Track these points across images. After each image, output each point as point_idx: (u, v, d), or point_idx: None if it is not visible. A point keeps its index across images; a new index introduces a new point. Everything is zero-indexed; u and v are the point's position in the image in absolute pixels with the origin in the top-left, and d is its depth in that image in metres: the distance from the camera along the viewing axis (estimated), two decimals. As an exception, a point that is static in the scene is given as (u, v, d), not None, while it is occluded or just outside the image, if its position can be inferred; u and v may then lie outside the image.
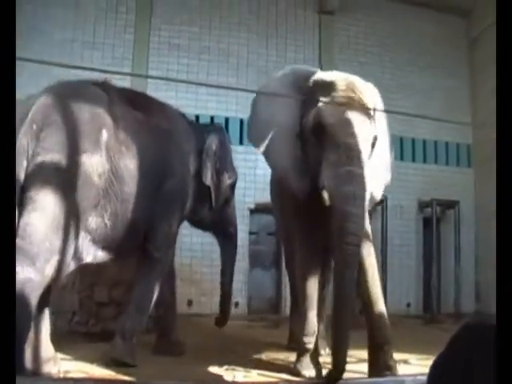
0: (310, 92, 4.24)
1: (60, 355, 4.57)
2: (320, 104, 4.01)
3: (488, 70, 10.68)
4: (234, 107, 10.33)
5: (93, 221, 4.27)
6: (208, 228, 6.23)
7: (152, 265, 5.02)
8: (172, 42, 10.34)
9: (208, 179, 5.61)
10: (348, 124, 3.88)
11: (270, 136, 4.42)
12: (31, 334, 4.02)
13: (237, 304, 9.46)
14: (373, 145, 4.07)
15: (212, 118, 10.05)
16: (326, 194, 3.92)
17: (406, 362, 4.60)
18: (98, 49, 9.97)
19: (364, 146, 3.93)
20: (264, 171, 9.70)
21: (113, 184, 4.38)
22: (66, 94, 4.36)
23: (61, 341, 4.69)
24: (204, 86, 10.20)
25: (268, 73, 10.60)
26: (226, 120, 10.25)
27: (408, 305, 10.26)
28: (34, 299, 3.69)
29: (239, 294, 9.57)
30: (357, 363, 5.06)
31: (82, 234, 4.19)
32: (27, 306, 3.64)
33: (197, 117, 9.06)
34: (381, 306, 4.45)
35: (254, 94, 10.09)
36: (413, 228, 10.85)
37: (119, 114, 4.60)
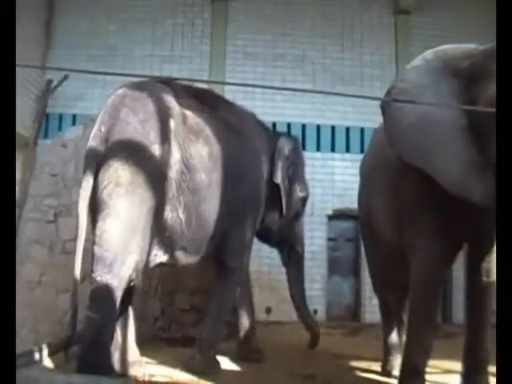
0: (479, 68, 3.46)
1: (145, 359, 4.72)
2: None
3: None
4: (310, 113, 10.32)
5: (168, 215, 4.14)
6: (275, 243, 6.08)
7: (227, 274, 4.97)
8: (247, 51, 10.51)
9: (278, 178, 5.44)
10: None
11: (428, 141, 3.62)
12: (118, 338, 4.19)
13: (315, 311, 9.38)
14: None
15: (289, 125, 10.08)
16: None
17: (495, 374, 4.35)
18: (176, 62, 10.35)
19: None
20: (341, 177, 9.67)
21: (184, 174, 4.22)
22: (131, 93, 4.26)
23: (145, 345, 4.85)
24: (280, 94, 10.28)
25: (344, 77, 10.53)
26: (303, 126, 10.26)
27: (494, 312, 9.74)
28: (114, 302, 3.74)
29: (318, 301, 9.52)
30: (443, 374, 4.96)
31: (159, 231, 4.12)
32: (109, 309, 3.73)
33: (273, 124, 9.11)
34: (488, 318, 4.09)
35: (332, 98, 10.31)
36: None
37: (185, 105, 4.47)
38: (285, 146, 5.62)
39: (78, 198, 3.90)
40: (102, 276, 3.67)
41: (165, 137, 4.09)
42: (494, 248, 4.07)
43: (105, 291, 3.69)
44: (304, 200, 5.92)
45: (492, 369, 4.40)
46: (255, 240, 5.72)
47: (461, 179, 3.46)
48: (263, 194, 5.30)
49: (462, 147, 3.49)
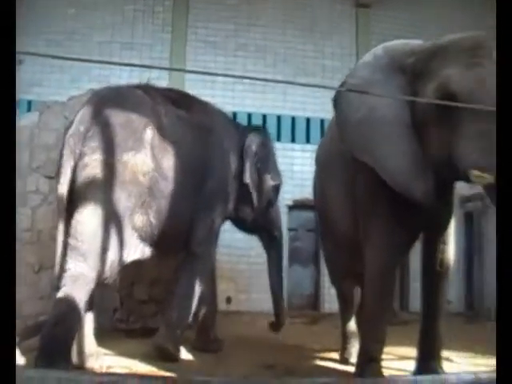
0: (421, 66, 3.55)
1: (102, 351, 4.66)
2: (443, 70, 3.32)
3: None
4: (271, 104, 10.32)
5: (139, 219, 4.32)
6: (252, 230, 6.17)
7: (194, 261, 5.05)
8: (209, 40, 10.42)
9: (247, 177, 5.56)
10: (486, 83, 3.11)
11: (374, 138, 3.69)
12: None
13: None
14: None
15: (249, 115, 10.06)
16: (477, 175, 3.08)
17: (448, 359, 4.47)
18: (136, 49, 10.17)
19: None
20: (301, 168, 9.71)
21: (157, 182, 4.43)
22: (111, 97, 4.55)
23: (103, 337, 4.78)
24: (240, 84, 10.24)
25: (305, 69, 10.57)
26: (264, 117, 10.26)
27: (449, 302, 10.01)
28: (85, 294, 3.85)
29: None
30: (399, 360, 5.07)
31: (130, 232, 4.25)
32: (79, 302, 3.78)
33: (234, 114, 9.08)
34: (442, 306, 4.24)
35: (293, 89, 10.34)
36: (454, 224, 10.51)
37: (162, 112, 4.69)
38: (252, 144, 5.69)
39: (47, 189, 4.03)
40: (75, 264, 3.78)
41: (141, 145, 4.33)
42: (450, 237, 4.21)
43: (77, 281, 3.77)
44: (277, 187, 5.99)
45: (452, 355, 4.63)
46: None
47: (403, 177, 3.57)
48: (231, 189, 5.47)
49: (405, 144, 3.59)
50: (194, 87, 8.57)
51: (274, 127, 10.30)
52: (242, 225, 6.06)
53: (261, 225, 5.93)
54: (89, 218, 3.94)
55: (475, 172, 3.06)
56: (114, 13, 10.32)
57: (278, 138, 10.30)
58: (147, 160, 4.35)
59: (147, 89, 4.86)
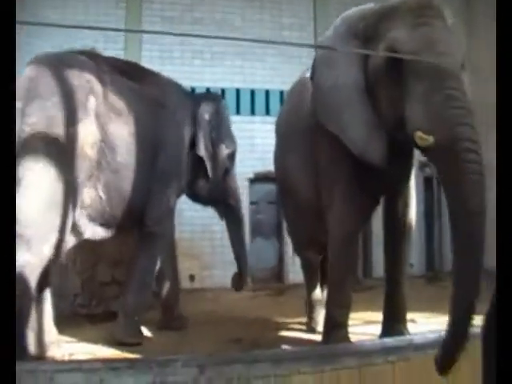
0: (371, 30, 3.52)
1: (64, 338, 4.54)
2: (390, 32, 3.28)
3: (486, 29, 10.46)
4: (229, 77, 10.16)
5: (87, 195, 4.09)
6: (208, 202, 6.00)
7: (151, 239, 4.89)
8: (165, 15, 10.09)
9: (201, 150, 5.41)
10: (434, 43, 3.09)
11: (336, 106, 3.69)
12: (34, 318, 3.94)
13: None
14: (464, 68, 3.30)
15: (208, 90, 9.88)
16: (421, 137, 3.01)
17: (412, 321, 4.56)
18: (90, 22, 9.73)
19: (458, 66, 3.14)
20: (262, 140, 9.62)
21: (105, 153, 4.18)
22: (50, 65, 4.06)
23: (64, 324, 4.65)
24: (199, 58, 10.03)
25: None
26: (222, 91, 10.08)
27: (411, 265, 10.25)
28: (33, 282, 3.59)
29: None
30: (364, 325, 5.13)
31: (78, 210, 4.03)
32: (27, 290, 3.55)
33: (192, 89, 8.88)
34: (405, 269, 4.31)
35: (252, 62, 10.21)
36: (414, 188, 10.68)
37: (108, 80, 4.36)
38: (205, 113, 5.53)
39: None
40: (21, 252, 3.46)
41: (85, 115, 3.99)
42: (411, 201, 4.25)
43: (23, 271, 3.50)
44: (232, 155, 5.84)
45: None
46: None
47: (361, 141, 3.59)
48: (186, 162, 5.28)
49: (362, 109, 3.59)
50: (151, 62, 8.32)
51: (233, 101, 10.17)
52: (197, 197, 5.87)
53: (217, 195, 5.77)
54: (32, 199, 3.61)
55: (418, 134, 3.02)
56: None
57: (238, 112, 10.20)
58: (93, 130, 4.04)
59: (92, 55, 4.46)
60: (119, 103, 4.39)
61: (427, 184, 10.41)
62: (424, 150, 3.12)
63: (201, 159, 5.42)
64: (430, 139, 2.94)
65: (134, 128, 4.47)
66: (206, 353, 4.00)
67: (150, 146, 4.67)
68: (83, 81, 4.09)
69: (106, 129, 4.18)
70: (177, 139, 5.13)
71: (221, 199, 5.85)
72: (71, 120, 3.88)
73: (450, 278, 2.73)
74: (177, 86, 5.59)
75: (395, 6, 3.42)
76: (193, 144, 5.40)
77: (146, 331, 4.92)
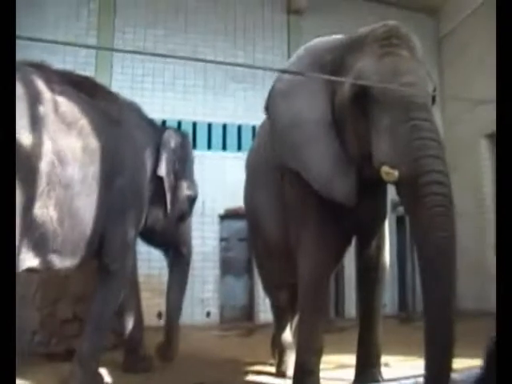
0: (338, 62, 3.41)
1: (20, 381, 4.22)
2: (357, 63, 3.19)
3: (455, 68, 10.78)
4: (201, 111, 10.13)
5: (38, 212, 3.57)
6: (160, 242, 5.61)
7: (108, 278, 4.48)
8: (137, 45, 10.06)
9: (163, 171, 5.03)
10: (400, 73, 2.99)
11: (298, 141, 3.53)
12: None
13: (208, 314, 9.24)
14: (433, 100, 3.21)
15: (179, 123, 9.81)
16: (387, 172, 2.92)
17: (386, 364, 4.41)
18: (59, 53, 9.59)
19: (426, 96, 3.04)
20: (233, 176, 9.54)
21: (55, 166, 3.68)
22: None
23: (20, 363, 4.34)
24: (170, 91, 9.98)
25: (236, 75, 10.47)
26: (194, 124, 10.04)
27: (384, 305, 10.18)
28: None
29: (211, 303, 9.37)
30: (337, 369, 4.96)
31: (28, 230, 3.50)
32: None
33: (163, 122, 8.80)
34: (379, 311, 4.16)
35: (224, 96, 10.22)
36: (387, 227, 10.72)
37: (58, 90, 3.94)
38: (171, 139, 5.23)
39: None
40: None
41: (34, 125, 3.57)
42: (384, 241, 4.14)
43: None
44: (191, 200, 5.54)
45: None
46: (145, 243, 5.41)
47: (325, 178, 3.44)
48: (146, 190, 4.87)
49: (326, 145, 3.45)
50: (122, 93, 8.21)
51: (204, 135, 10.14)
52: (149, 236, 5.40)
53: (169, 238, 5.45)
54: None
55: (385, 169, 2.92)
56: (33, 15, 9.76)
57: (210, 147, 10.16)
58: (43, 140, 3.60)
59: (41, 66, 4.09)
60: (71, 114, 3.97)
61: (400, 223, 10.44)
62: (394, 185, 3.01)
63: (159, 191, 5.04)
64: (395, 174, 2.85)
65: (88, 142, 4.02)
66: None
67: (105, 164, 4.17)
68: (31, 89, 3.69)
69: (56, 140, 3.74)
70: (136, 163, 4.71)
71: (173, 243, 5.55)
72: (18, 129, 3.40)
73: (423, 318, 2.64)
74: (136, 107, 5.23)
75: (362, 36, 3.35)
76: (154, 173, 5.02)
77: (107, 375, 4.62)
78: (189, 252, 5.72)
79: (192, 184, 5.55)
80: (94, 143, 4.08)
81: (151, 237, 5.43)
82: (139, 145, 4.82)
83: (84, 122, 4.05)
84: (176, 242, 5.55)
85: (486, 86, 9.04)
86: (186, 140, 5.62)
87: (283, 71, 3.63)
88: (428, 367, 2.52)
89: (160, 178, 5.05)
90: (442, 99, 11.02)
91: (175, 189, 5.25)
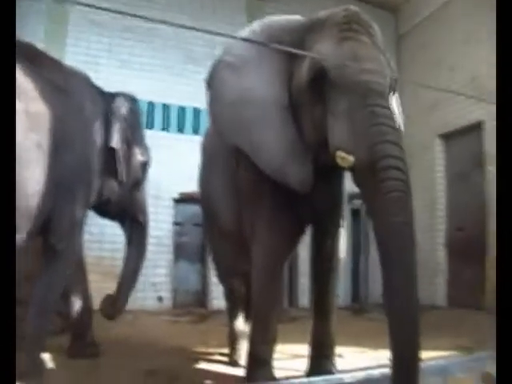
0: (297, 43, 3.22)
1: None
2: (316, 46, 3.08)
3: (414, 66, 10.89)
4: (158, 91, 9.85)
5: None
6: (116, 214, 5.37)
7: (54, 258, 4.20)
8: (93, 19, 9.63)
9: (115, 142, 4.78)
10: (360, 59, 2.90)
11: (249, 121, 3.35)
12: None
13: (161, 298, 9.06)
14: (392, 88, 3.16)
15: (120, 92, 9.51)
16: (342, 157, 2.85)
17: (339, 356, 4.37)
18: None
19: (384, 84, 2.97)
20: (189, 159, 9.33)
21: None
22: None
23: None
24: (126, 68, 9.64)
25: (196, 57, 10.25)
26: (150, 104, 9.76)
27: (337, 296, 10.27)
28: None
29: (163, 287, 9.20)
30: (290, 359, 4.89)
31: None
32: None
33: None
34: (334, 302, 4.09)
35: (182, 78, 9.97)
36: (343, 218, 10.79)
37: None
38: (122, 107, 4.99)
39: None
40: None
41: None
42: (340, 231, 4.07)
43: None
44: (145, 165, 5.32)
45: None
46: (97, 223, 5.16)
47: (278, 162, 3.31)
48: (96, 163, 4.61)
49: (281, 127, 3.31)
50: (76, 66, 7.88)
51: (160, 116, 9.87)
52: (104, 208, 5.16)
53: (125, 208, 5.23)
54: None
55: (340, 154, 2.84)
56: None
57: (166, 128, 9.90)
58: None
59: None
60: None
61: (355, 215, 10.52)
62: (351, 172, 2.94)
63: (112, 161, 4.80)
64: (351, 159, 2.78)
65: (30, 107, 3.68)
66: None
67: (50, 134, 3.84)
68: None
69: None
70: (86, 135, 4.42)
71: (129, 212, 5.34)
72: None
73: (376, 309, 2.59)
74: (83, 76, 4.88)
75: (322, 19, 3.24)
76: (105, 144, 4.76)
77: (50, 360, 4.40)
78: (145, 220, 5.53)
79: (144, 149, 5.35)
80: (36, 111, 3.75)
81: (106, 209, 5.21)
82: (88, 115, 4.54)
83: (26, 89, 3.71)
84: (132, 211, 5.36)
85: (443, 86, 9.33)
86: (136, 105, 5.39)
87: (260, 43, 3.40)
88: (396, 357, 2.45)
89: (112, 149, 4.82)
90: (401, 96, 11.15)
91: (128, 157, 5.04)
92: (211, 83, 3.64)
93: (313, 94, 3.08)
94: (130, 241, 5.49)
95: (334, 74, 2.93)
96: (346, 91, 2.88)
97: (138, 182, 5.27)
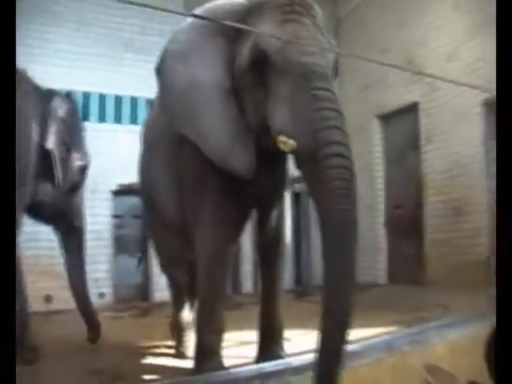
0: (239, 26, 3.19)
1: None
2: (257, 28, 3.01)
3: (352, 49, 11.05)
4: (94, 81, 9.53)
5: None
6: (50, 217, 5.18)
7: None
8: (25, 7, 9.16)
9: (51, 143, 4.63)
10: (302, 41, 2.87)
11: (194, 107, 3.29)
12: None
13: (102, 295, 8.82)
14: (335, 71, 3.14)
15: (70, 93, 9.16)
16: (283, 142, 2.81)
17: (286, 339, 4.38)
18: None
19: (327, 66, 2.93)
20: (127, 150, 9.09)
21: None
22: None
23: None
24: (59, 58, 9.23)
25: (132, 44, 10.02)
26: (85, 95, 9.43)
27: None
28: None
29: (104, 283, 8.96)
30: (238, 346, 4.86)
31: None
32: None
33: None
34: (281, 287, 4.06)
35: (118, 67, 9.68)
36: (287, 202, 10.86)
37: None
38: (60, 108, 4.81)
39: None
40: None
41: None
42: (284, 215, 4.06)
43: None
44: (83, 169, 5.17)
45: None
46: (32, 222, 4.94)
47: (222, 148, 3.28)
48: (30, 164, 4.46)
49: (224, 112, 3.28)
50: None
51: (97, 106, 9.56)
52: (38, 211, 4.95)
53: (61, 211, 5.06)
54: None
55: (281, 138, 2.82)
56: None
57: (102, 119, 9.61)
58: None
59: None
60: None
61: (295, 199, 10.60)
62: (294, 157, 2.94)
63: (47, 163, 4.64)
64: (292, 143, 2.76)
65: None
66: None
67: None
68: None
69: None
70: (20, 135, 4.22)
71: (65, 217, 5.18)
72: None
73: (319, 292, 2.61)
74: (20, 73, 4.63)
75: (264, 1, 3.19)
76: (40, 144, 4.60)
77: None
78: (82, 225, 5.39)
79: (83, 153, 5.19)
80: None
81: (40, 212, 5.00)
82: (23, 114, 4.32)
83: None
84: (68, 216, 5.19)
85: (379, 68, 9.56)
86: (75, 107, 5.23)
87: (207, 18, 3.30)
88: (323, 340, 2.49)
89: (48, 151, 4.65)
90: (339, 79, 11.31)
91: (65, 160, 4.87)
92: (159, 73, 3.56)
93: (254, 77, 3.04)
94: (66, 248, 5.34)
95: (276, 56, 2.90)
96: (287, 74, 2.85)
97: (75, 186, 5.12)
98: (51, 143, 4.64)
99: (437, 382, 2.03)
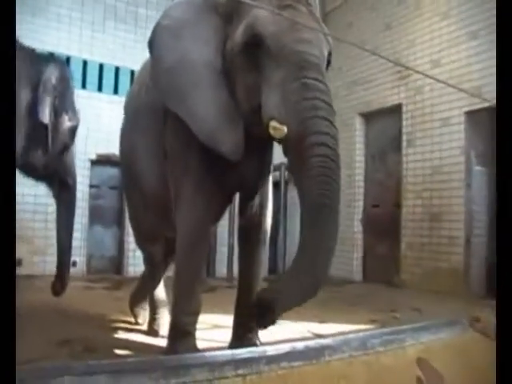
0: (233, 5, 3.14)
1: None
2: (253, 12, 2.95)
3: (339, 45, 10.96)
4: (77, 46, 9.31)
5: None
6: (42, 177, 5.26)
7: None
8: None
9: (45, 116, 4.67)
10: (298, 28, 2.85)
11: (183, 85, 3.23)
12: None
13: (74, 263, 8.72)
14: (328, 62, 3.13)
15: (51, 56, 8.94)
16: (275, 128, 2.79)
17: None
18: None
19: (321, 57, 2.94)
20: (108, 120, 8.96)
21: None
22: None
23: None
24: (43, 19, 8.98)
25: (117, 14, 9.79)
26: (68, 60, 9.19)
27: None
28: None
29: (78, 252, 8.85)
30: (212, 329, 4.85)
31: None
32: None
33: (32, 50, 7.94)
34: (259, 273, 4.05)
35: (102, 34, 9.46)
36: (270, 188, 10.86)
37: None
38: (52, 76, 4.78)
39: None
40: None
41: None
42: (267, 201, 4.04)
43: None
44: (73, 130, 5.16)
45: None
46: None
47: (210, 128, 3.20)
48: (22, 129, 4.48)
49: (214, 92, 3.21)
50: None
51: (79, 72, 9.36)
52: (29, 170, 5.04)
53: (52, 171, 5.10)
54: None
55: (273, 124, 2.79)
56: None
57: (84, 86, 9.44)
58: None
59: None
60: None
61: (275, 188, 10.61)
62: (280, 143, 2.90)
63: (40, 127, 4.69)
64: (284, 129, 2.73)
65: None
66: (25, 360, 3.40)
67: None
68: None
69: None
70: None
71: (57, 176, 5.20)
72: None
73: None
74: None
75: None
76: (31, 109, 4.63)
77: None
78: (73, 182, 5.40)
79: (73, 113, 5.15)
80: None
81: (31, 172, 5.07)
82: (17, 79, 4.27)
83: None
84: (60, 174, 5.21)
85: (365, 67, 9.49)
86: (66, 71, 5.17)
87: None
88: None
89: (40, 121, 4.67)
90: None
91: (56, 125, 4.87)
92: (151, 47, 3.46)
93: (247, 59, 2.99)
94: (58, 204, 5.36)
95: (271, 41, 2.85)
96: (281, 60, 2.82)
97: (66, 146, 5.12)
98: (46, 117, 4.67)
99: (427, 378, 2.07)
